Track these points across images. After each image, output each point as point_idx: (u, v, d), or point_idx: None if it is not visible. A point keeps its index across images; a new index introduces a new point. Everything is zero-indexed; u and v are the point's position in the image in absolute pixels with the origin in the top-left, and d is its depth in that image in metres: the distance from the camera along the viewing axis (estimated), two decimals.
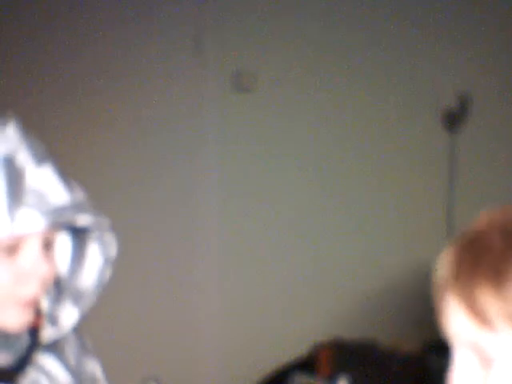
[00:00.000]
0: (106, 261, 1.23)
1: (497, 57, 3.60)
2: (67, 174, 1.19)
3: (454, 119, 3.62)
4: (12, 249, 1.11)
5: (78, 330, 1.27)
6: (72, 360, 1.25)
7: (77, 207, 1.15)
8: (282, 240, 3.58)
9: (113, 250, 1.23)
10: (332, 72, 3.56)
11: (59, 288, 1.23)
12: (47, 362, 1.21)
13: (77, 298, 1.23)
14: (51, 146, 3.37)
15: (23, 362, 1.16)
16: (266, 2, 3.50)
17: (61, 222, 1.13)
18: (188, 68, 3.45)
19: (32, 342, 1.18)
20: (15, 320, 1.14)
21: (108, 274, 1.24)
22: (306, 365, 3.39)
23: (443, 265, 0.97)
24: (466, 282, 0.93)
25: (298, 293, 3.56)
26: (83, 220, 1.15)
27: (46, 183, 1.13)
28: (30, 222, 1.09)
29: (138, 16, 3.41)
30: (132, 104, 3.43)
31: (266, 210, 3.56)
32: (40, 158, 1.14)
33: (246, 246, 3.56)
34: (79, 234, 1.24)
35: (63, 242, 1.25)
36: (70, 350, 1.25)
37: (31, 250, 1.12)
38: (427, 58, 3.58)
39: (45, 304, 1.21)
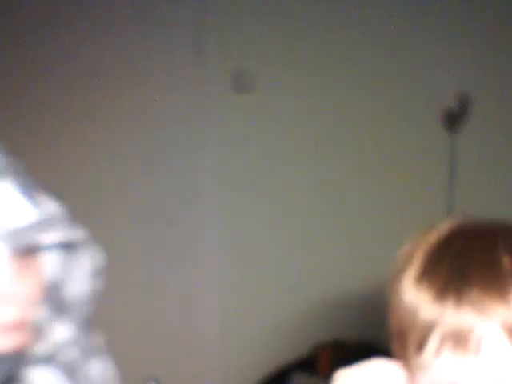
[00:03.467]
0: (94, 272, 1.17)
1: (497, 57, 3.60)
2: (36, 185, 1.09)
3: (454, 119, 3.61)
4: None
5: (85, 331, 1.23)
6: (70, 366, 1.20)
7: (42, 225, 1.06)
8: (282, 239, 3.57)
9: (98, 261, 1.17)
10: (332, 72, 3.56)
11: (55, 301, 1.16)
12: (38, 375, 1.15)
13: (70, 310, 1.17)
14: (50, 146, 3.35)
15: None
16: (266, 2, 3.50)
17: (24, 243, 1.05)
18: (188, 68, 3.45)
19: (16, 363, 1.11)
20: None
21: (97, 285, 1.18)
22: (306, 365, 3.39)
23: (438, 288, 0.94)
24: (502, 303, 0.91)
25: (298, 292, 3.56)
26: (50, 238, 1.08)
27: (1, 204, 1.03)
28: None
29: (137, 16, 3.40)
30: (131, 104, 3.43)
31: (265, 210, 3.56)
32: None
33: (246, 246, 3.56)
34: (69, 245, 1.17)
35: (53, 253, 1.16)
36: (69, 356, 1.20)
37: None
38: (427, 57, 3.57)
39: (39, 319, 1.13)
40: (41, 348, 1.15)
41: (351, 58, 3.55)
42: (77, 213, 1.17)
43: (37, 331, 1.13)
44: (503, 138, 3.65)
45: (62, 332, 1.16)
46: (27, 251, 1.07)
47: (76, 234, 1.12)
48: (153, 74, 3.42)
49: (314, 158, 3.59)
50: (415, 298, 0.96)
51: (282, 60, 3.50)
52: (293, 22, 3.50)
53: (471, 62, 3.57)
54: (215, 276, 3.52)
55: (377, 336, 3.38)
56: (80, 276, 1.17)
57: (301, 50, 3.52)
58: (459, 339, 0.91)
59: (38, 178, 1.10)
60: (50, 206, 1.10)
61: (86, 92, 3.39)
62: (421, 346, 0.94)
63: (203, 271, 3.51)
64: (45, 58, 3.34)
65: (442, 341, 0.92)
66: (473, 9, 3.57)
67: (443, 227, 1.02)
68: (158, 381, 2.70)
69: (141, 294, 3.42)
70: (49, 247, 1.13)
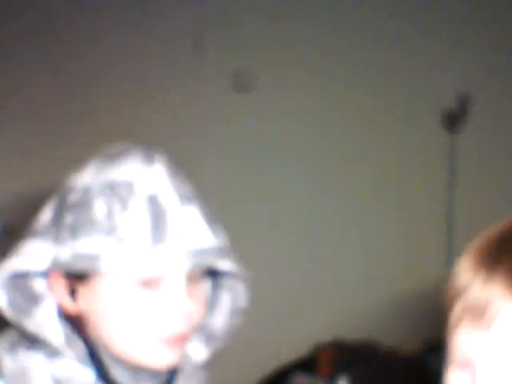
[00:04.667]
0: (235, 310, 1.26)
1: (497, 57, 3.60)
2: (212, 216, 1.20)
3: (454, 119, 3.62)
4: (153, 283, 1.10)
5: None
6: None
7: (219, 251, 1.16)
8: (283, 240, 3.57)
9: (242, 301, 1.28)
10: (332, 72, 3.56)
11: (203, 325, 1.24)
12: None
13: (208, 338, 1.25)
14: (49, 146, 3.31)
15: None
16: (266, 2, 3.50)
17: (203, 263, 1.13)
18: (188, 68, 3.45)
19: (173, 375, 1.18)
20: (160, 358, 1.12)
21: (237, 322, 1.27)
22: (307, 365, 3.39)
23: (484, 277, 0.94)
24: None
25: (298, 293, 3.56)
26: (224, 265, 1.17)
27: (190, 224, 1.13)
28: (172, 260, 1.09)
29: (138, 16, 3.40)
30: (132, 104, 3.43)
31: (266, 210, 3.56)
32: (186, 198, 1.16)
33: (246, 246, 3.54)
34: (213, 279, 1.26)
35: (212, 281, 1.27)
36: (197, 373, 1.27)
37: (173, 287, 1.11)
38: (427, 57, 3.58)
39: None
40: (183, 364, 1.21)
41: (351, 58, 3.55)
42: None
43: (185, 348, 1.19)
44: (503, 137, 3.65)
45: (200, 354, 1.24)
46: (201, 274, 1.15)
47: (241, 267, 1.21)
48: (153, 74, 3.42)
49: (314, 157, 3.59)
50: (460, 265, 0.96)
51: (282, 60, 3.50)
52: (293, 22, 3.50)
53: (471, 62, 3.57)
54: None
55: (377, 336, 3.38)
56: (224, 311, 1.26)
57: (301, 50, 3.52)
58: (476, 312, 0.91)
59: None
60: (223, 236, 1.20)
61: (85, 92, 3.39)
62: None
63: None
64: (44, 58, 3.34)
65: (463, 311, 0.92)
66: (473, 9, 3.57)
67: None
68: None
69: None
70: (222, 274, 1.24)
